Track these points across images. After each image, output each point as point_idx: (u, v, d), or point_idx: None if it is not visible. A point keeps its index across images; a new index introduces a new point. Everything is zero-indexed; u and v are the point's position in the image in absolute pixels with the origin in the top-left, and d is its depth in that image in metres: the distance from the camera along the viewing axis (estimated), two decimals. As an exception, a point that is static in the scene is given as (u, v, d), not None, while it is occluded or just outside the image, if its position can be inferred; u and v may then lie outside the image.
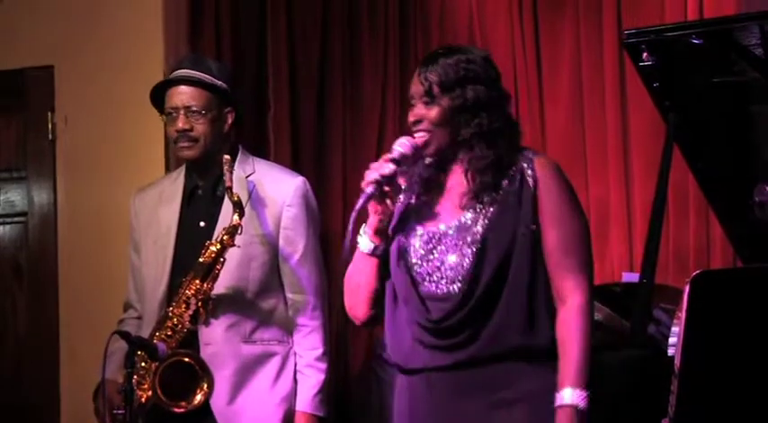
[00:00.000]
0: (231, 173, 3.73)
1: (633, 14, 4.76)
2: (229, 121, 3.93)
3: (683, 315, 2.98)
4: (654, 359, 3.62)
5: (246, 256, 3.83)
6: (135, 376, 3.62)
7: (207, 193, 3.93)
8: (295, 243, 3.90)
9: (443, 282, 3.06)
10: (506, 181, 3.08)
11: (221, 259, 3.75)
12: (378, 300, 3.18)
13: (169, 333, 3.75)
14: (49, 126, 5.20)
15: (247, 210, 3.81)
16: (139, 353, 3.54)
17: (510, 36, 5.02)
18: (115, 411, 3.66)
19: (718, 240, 4.55)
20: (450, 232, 3.08)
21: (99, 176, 5.11)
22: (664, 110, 3.89)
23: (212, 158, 3.85)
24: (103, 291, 4.87)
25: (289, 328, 3.92)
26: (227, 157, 3.75)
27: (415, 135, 3.12)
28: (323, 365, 3.91)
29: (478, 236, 3.04)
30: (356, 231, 3.13)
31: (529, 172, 3.07)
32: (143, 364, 3.73)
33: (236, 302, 3.83)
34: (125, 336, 3.48)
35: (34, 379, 5.21)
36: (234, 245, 3.75)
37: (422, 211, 3.16)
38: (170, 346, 3.71)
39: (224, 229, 3.76)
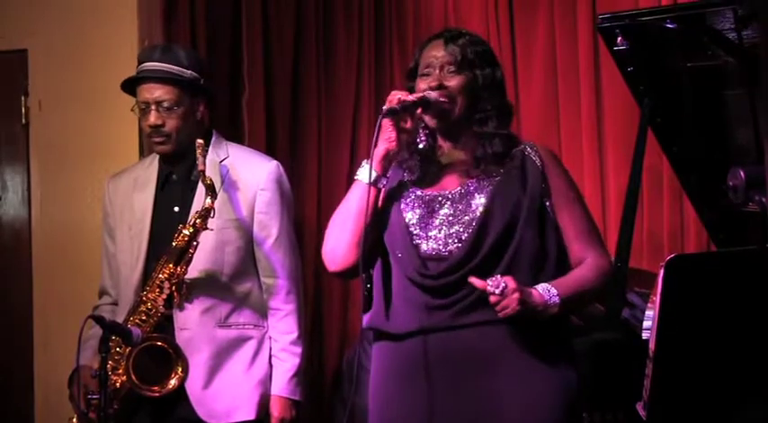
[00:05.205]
0: (204, 157, 3.72)
1: (607, -1, 4.77)
2: (201, 109, 3.92)
3: (657, 299, 2.99)
4: (628, 343, 3.64)
5: (221, 241, 3.83)
6: (110, 361, 3.63)
7: (181, 178, 3.92)
8: (269, 227, 3.89)
9: (444, 244, 3.09)
10: (509, 158, 3.16)
11: (194, 243, 3.74)
12: (363, 245, 3.09)
13: (143, 317, 3.75)
14: (23, 110, 5.16)
15: (221, 194, 3.81)
16: (114, 338, 3.54)
17: (485, 21, 5.02)
18: (90, 396, 3.65)
19: (692, 224, 4.57)
20: (453, 197, 3.13)
21: (73, 161, 5.08)
22: (638, 94, 3.90)
23: (186, 148, 3.83)
24: (77, 276, 4.85)
25: (264, 313, 3.91)
26: (200, 141, 3.73)
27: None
28: (298, 349, 3.91)
29: (482, 202, 3.09)
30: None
31: (532, 153, 3.18)
32: (118, 349, 3.72)
33: (211, 287, 3.83)
34: (99, 320, 3.47)
35: (8, 364, 5.18)
36: (206, 228, 3.74)
37: (421, 180, 3.20)
38: (144, 330, 3.70)
39: (196, 212, 3.75)
